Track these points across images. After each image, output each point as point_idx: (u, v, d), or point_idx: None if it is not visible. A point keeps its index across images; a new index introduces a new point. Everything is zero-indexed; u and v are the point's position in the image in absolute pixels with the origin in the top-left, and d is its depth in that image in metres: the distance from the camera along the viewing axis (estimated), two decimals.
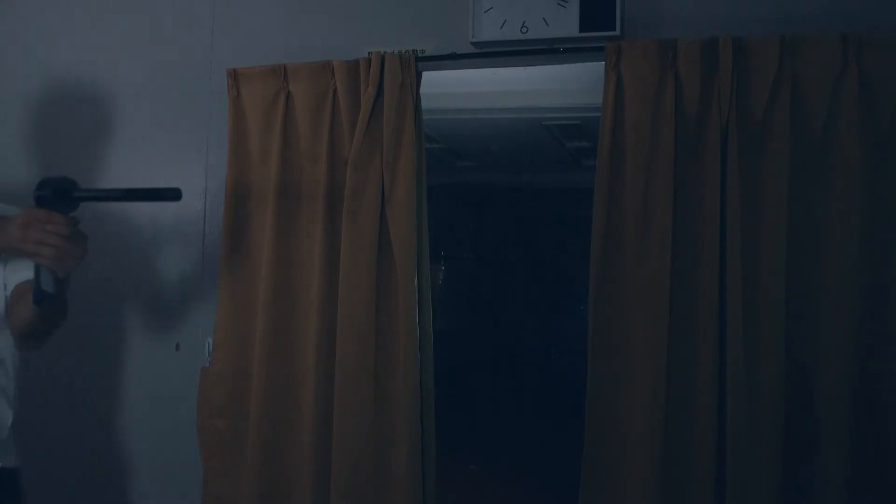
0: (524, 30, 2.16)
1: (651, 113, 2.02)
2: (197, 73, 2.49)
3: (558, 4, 2.15)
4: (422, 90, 2.23)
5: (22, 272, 1.75)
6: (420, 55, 2.22)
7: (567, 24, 2.13)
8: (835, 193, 1.94)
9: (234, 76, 2.33)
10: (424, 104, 2.24)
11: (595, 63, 2.11)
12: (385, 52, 2.20)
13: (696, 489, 1.97)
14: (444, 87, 2.41)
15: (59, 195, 1.45)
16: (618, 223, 2.06)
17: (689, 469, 1.98)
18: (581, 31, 2.12)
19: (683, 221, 2.01)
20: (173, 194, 1.49)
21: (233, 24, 2.49)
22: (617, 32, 2.09)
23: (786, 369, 1.95)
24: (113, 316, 2.54)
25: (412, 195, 2.18)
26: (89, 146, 2.59)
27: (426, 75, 2.24)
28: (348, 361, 2.17)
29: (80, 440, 2.55)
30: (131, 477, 2.50)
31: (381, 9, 2.35)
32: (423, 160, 2.25)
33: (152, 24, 2.57)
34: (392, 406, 2.19)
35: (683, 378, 1.99)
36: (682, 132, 2.01)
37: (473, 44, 2.20)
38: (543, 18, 2.15)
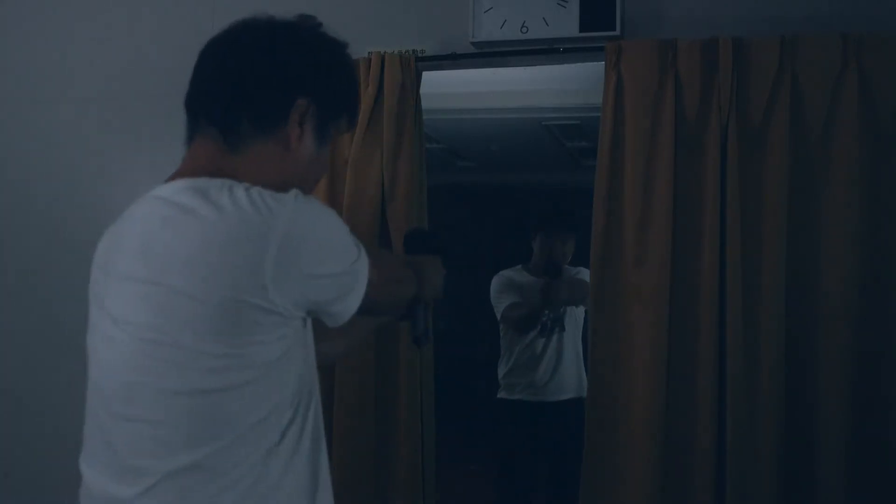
0: (524, 30, 2.16)
1: (651, 113, 2.02)
2: None
3: (558, 4, 2.14)
4: (422, 90, 2.23)
5: None
6: (420, 55, 2.22)
7: (567, 24, 2.13)
8: (835, 193, 1.94)
9: None
10: (424, 104, 2.24)
11: (595, 63, 2.11)
12: (385, 52, 2.20)
13: (697, 489, 1.97)
14: (444, 87, 2.40)
15: (432, 243, 1.62)
16: (618, 223, 2.06)
17: (689, 469, 1.98)
18: (581, 31, 2.12)
19: (683, 221, 2.01)
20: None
21: None
22: (617, 32, 2.09)
23: (786, 369, 1.95)
24: None
25: (412, 195, 2.18)
26: (89, 147, 2.59)
27: (426, 75, 2.24)
28: (348, 361, 2.17)
29: (80, 438, 2.55)
30: None
31: (381, 9, 2.35)
32: (423, 160, 2.25)
33: (152, 24, 2.57)
34: (392, 406, 2.19)
35: (683, 378, 1.99)
36: (682, 132, 2.01)
37: (473, 44, 2.20)
38: (543, 18, 2.15)
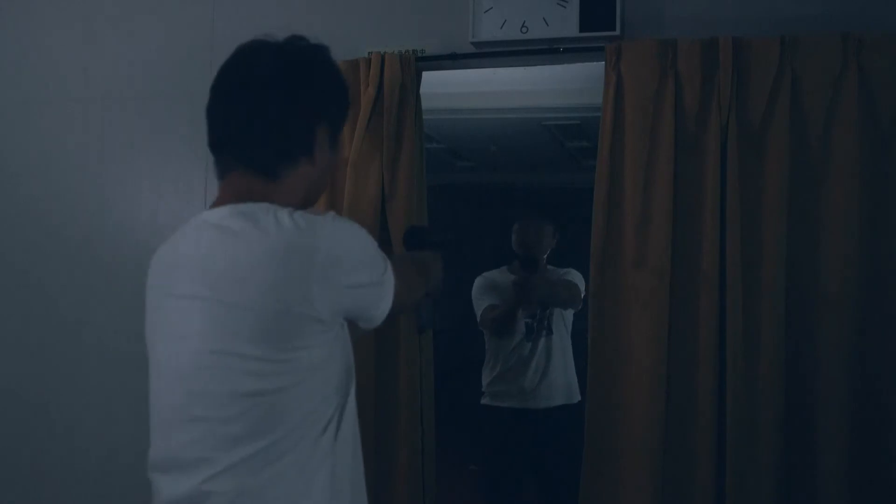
0: (524, 30, 2.16)
1: (651, 113, 2.02)
2: (197, 73, 2.48)
3: (558, 4, 2.14)
4: (422, 90, 2.23)
5: None
6: (420, 55, 2.22)
7: (567, 24, 2.13)
8: (834, 192, 1.94)
9: None
10: (424, 104, 2.24)
11: (595, 63, 2.11)
12: (385, 52, 2.20)
13: (696, 489, 1.97)
14: (444, 87, 2.40)
15: (430, 240, 1.70)
16: (618, 223, 2.06)
17: (689, 469, 1.98)
18: (581, 31, 2.12)
19: (683, 221, 2.01)
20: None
21: (233, 24, 2.49)
22: (617, 32, 2.09)
23: (786, 368, 1.95)
24: (113, 316, 2.54)
25: (412, 195, 2.18)
26: (89, 147, 2.59)
27: (426, 75, 2.24)
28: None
29: (80, 438, 2.55)
30: (132, 474, 2.49)
31: (381, 9, 2.35)
32: (423, 160, 2.25)
33: (152, 24, 2.57)
34: (392, 406, 2.19)
35: (683, 378, 1.99)
36: (682, 132, 2.01)
37: (473, 44, 2.20)
38: (543, 18, 2.15)
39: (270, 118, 1.23)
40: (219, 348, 1.13)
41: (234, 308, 1.12)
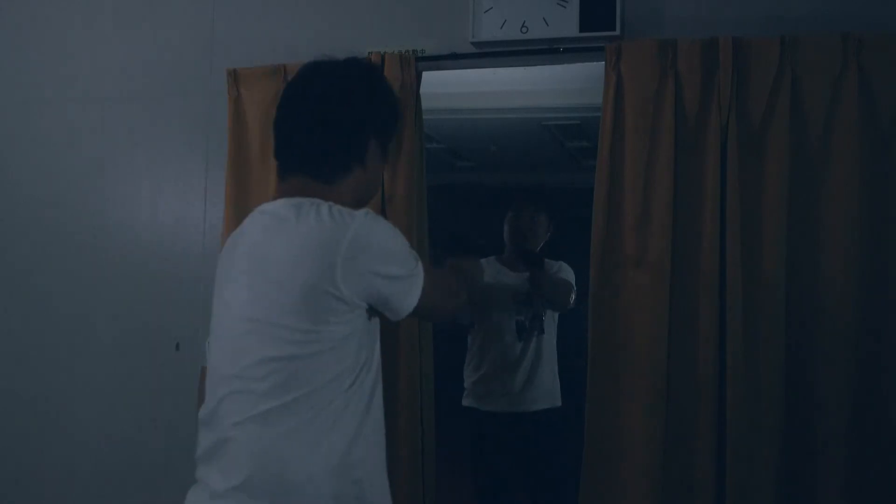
0: (524, 30, 2.16)
1: (651, 113, 2.02)
2: (197, 73, 2.49)
3: (558, 4, 2.15)
4: (422, 90, 2.23)
5: None
6: (420, 55, 2.22)
7: (567, 24, 2.13)
8: (834, 192, 1.94)
9: (234, 76, 2.33)
10: (424, 104, 2.24)
11: (595, 63, 2.12)
12: (385, 52, 2.20)
13: (696, 488, 1.97)
14: (444, 87, 2.40)
15: (467, 244, 1.78)
16: (618, 223, 2.06)
17: (689, 469, 1.98)
18: (581, 31, 2.12)
19: (683, 221, 2.01)
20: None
21: (233, 24, 2.50)
22: (617, 32, 2.09)
23: (786, 368, 1.95)
24: (113, 316, 2.54)
25: (412, 195, 2.18)
26: (89, 147, 2.59)
27: (426, 75, 2.24)
28: None
29: (80, 438, 2.55)
30: (132, 475, 2.50)
31: (381, 9, 2.35)
32: (423, 160, 2.25)
33: (152, 24, 2.57)
34: (392, 406, 2.18)
35: (683, 378, 1.99)
36: (682, 132, 2.01)
37: (473, 44, 2.20)
38: (543, 18, 2.15)
39: (329, 132, 1.41)
40: (258, 317, 1.31)
41: (274, 283, 1.30)
